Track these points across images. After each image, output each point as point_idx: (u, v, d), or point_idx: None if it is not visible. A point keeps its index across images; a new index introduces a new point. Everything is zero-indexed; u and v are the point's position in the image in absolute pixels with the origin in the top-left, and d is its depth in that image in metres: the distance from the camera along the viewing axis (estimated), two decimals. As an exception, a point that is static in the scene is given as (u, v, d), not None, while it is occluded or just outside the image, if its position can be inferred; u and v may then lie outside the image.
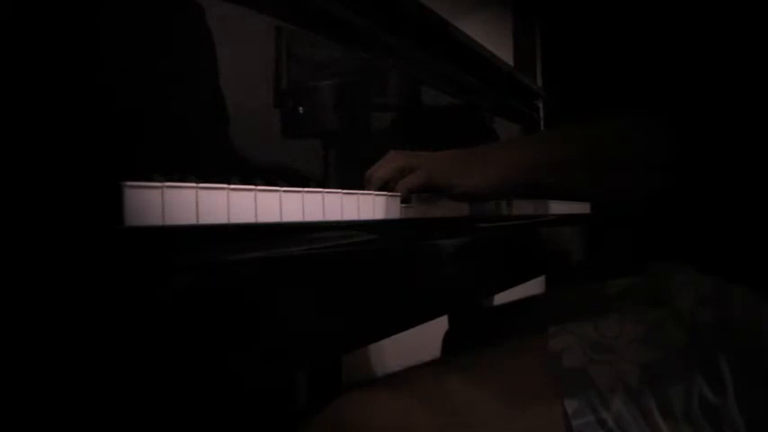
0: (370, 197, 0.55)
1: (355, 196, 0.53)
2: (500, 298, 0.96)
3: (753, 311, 0.52)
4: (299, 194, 0.43)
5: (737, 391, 0.50)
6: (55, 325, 0.26)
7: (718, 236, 0.61)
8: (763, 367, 0.50)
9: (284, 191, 0.42)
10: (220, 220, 0.36)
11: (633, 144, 0.57)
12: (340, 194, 0.49)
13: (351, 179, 0.67)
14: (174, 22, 0.50)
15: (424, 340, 0.91)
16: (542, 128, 1.54)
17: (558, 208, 1.09)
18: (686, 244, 0.65)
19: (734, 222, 0.59)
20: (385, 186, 0.61)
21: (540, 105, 1.53)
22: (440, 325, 0.94)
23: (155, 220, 0.32)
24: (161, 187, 0.32)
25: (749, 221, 0.58)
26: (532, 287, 1.24)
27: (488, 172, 0.60)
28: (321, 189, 0.47)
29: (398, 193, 0.59)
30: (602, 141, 0.58)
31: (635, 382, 0.52)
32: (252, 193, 0.39)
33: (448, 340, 0.98)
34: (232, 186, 0.37)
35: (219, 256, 0.32)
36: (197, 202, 0.34)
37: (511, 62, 1.94)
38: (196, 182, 0.35)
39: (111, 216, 0.29)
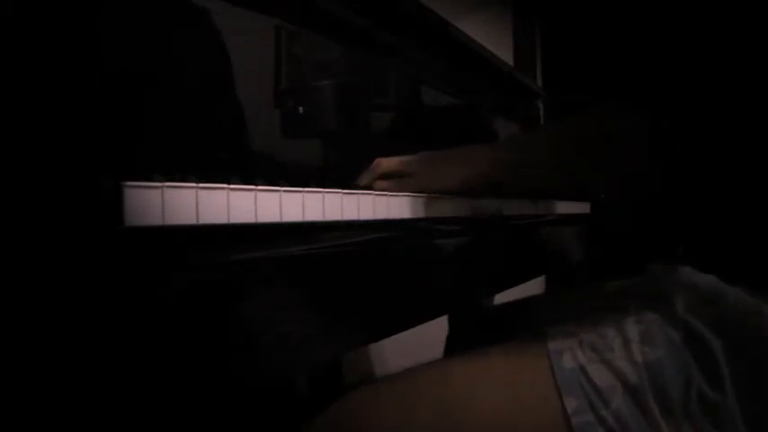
0: (370, 197, 0.55)
1: (355, 196, 0.53)
2: (500, 298, 0.96)
3: (749, 309, 0.53)
4: (299, 194, 0.43)
5: (736, 388, 0.50)
6: (56, 324, 0.26)
7: (715, 235, 0.61)
8: (761, 364, 0.50)
9: (284, 191, 0.42)
10: (220, 220, 0.36)
11: (617, 140, 0.61)
12: (340, 194, 0.49)
13: (351, 179, 0.67)
14: (175, 23, 0.50)
15: (424, 340, 0.92)
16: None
17: (557, 208, 1.09)
18: (685, 243, 0.65)
19: (730, 221, 0.60)
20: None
21: (540, 105, 1.54)
22: (440, 325, 0.94)
23: (155, 220, 0.32)
24: (161, 187, 0.32)
25: (745, 220, 0.58)
26: (532, 287, 1.25)
27: (455, 172, 0.68)
28: (321, 189, 0.46)
29: (398, 193, 0.59)
30: (564, 142, 0.66)
31: (634, 381, 0.52)
32: (252, 193, 0.39)
33: (450, 342, 0.98)
34: (232, 186, 0.37)
35: (219, 256, 0.32)
36: (197, 202, 0.34)
37: (511, 62, 1.94)
38: (196, 182, 0.35)
39: (112, 216, 0.29)
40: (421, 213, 0.62)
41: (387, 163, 0.68)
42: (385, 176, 0.67)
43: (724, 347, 0.51)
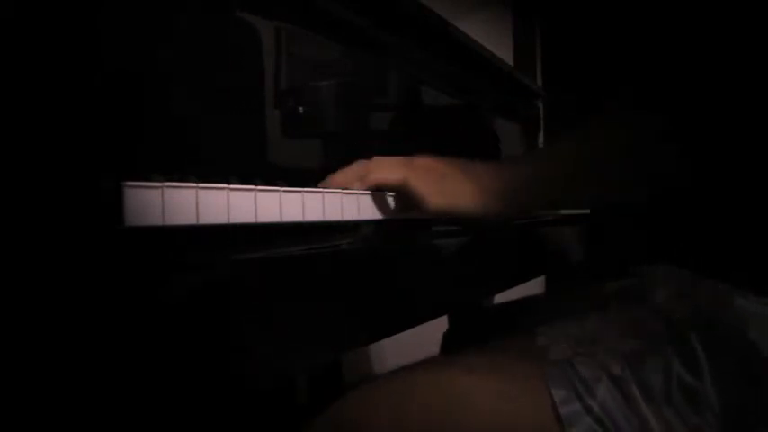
0: (370, 197, 0.55)
1: (355, 196, 0.53)
2: (500, 298, 0.96)
3: (721, 301, 0.55)
4: (299, 194, 0.43)
5: (712, 373, 0.52)
6: (55, 325, 0.26)
7: (697, 235, 0.63)
8: (733, 350, 0.53)
9: (284, 191, 0.42)
10: (220, 221, 0.36)
11: (626, 150, 0.60)
12: (340, 194, 0.49)
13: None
14: (175, 22, 0.50)
15: (424, 340, 0.91)
16: (542, 128, 1.54)
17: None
18: (672, 244, 0.66)
19: (730, 222, 0.60)
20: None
21: (540, 105, 1.54)
22: (440, 325, 0.94)
23: (154, 220, 0.32)
24: (161, 187, 0.32)
25: (744, 220, 0.59)
26: (532, 287, 1.25)
27: (467, 197, 0.59)
28: (321, 189, 0.47)
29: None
30: (584, 153, 0.61)
31: (617, 371, 0.54)
32: (252, 193, 0.39)
33: (448, 339, 0.98)
34: (232, 186, 0.37)
35: (219, 256, 0.32)
36: (197, 202, 0.34)
37: (511, 62, 1.94)
38: (196, 182, 0.35)
39: (111, 216, 0.29)
40: (421, 214, 0.62)
41: (384, 173, 0.57)
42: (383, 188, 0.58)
43: (700, 337, 0.54)
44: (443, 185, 0.59)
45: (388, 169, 0.57)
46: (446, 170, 0.60)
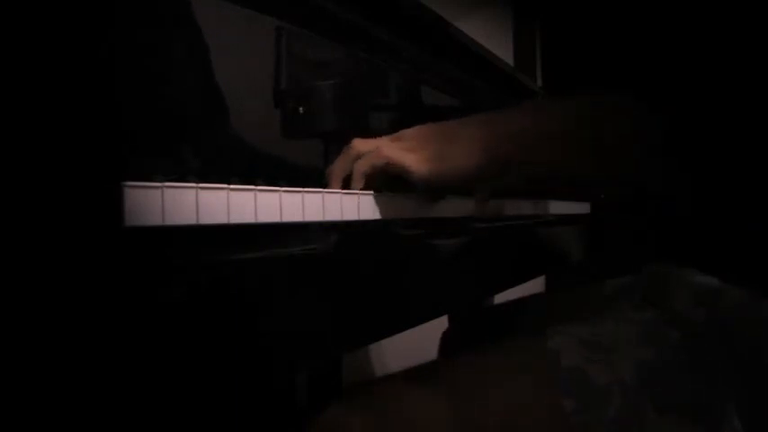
0: (371, 197, 0.55)
1: (355, 196, 0.53)
2: (500, 298, 0.96)
3: (746, 310, 0.53)
4: (299, 194, 0.43)
5: (732, 387, 0.50)
6: (55, 326, 0.26)
7: (714, 237, 0.61)
8: (755, 363, 0.51)
9: (284, 191, 0.42)
10: (220, 220, 0.36)
11: (626, 121, 0.56)
12: (340, 194, 0.49)
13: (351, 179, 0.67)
14: (175, 22, 0.50)
15: (423, 340, 0.91)
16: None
17: (558, 208, 1.09)
18: (684, 245, 0.65)
19: (729, 223, 0.59)
20: (348, 183, 0.56)
21: (540, 105, 1.53)
22: (440, 325, 0.94)
23: (155, 220, 0.32)
24: (161, 187, 0.32)
25: (744, 222, 0.58)
26: (532, 287, 1.25)
27: (453, 152, 0.53)
28: (321, 189, 0.47)
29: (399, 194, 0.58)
30: (588, 114, 0.56)
31: (632, 380, 0.52)
32: (252, 193, 0.39)
33: (446, 339, 0.98)
34: (232, 186, 0.37)
35: (219, 256, 0.32)
36: (197, 202, 0.34)
37: (511, 62, 1.94)
38: (196, 182, 0.35)
39: (111, 216, 0.29)
40: (421, 214, 0.62)
41: (374, 158, 0.56)
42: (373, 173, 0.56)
43: (720, 347, 0.52)
44: (431, 148, 0.55)
45: (363, 162, 0.55)
46: (432, 133, 0.56)
